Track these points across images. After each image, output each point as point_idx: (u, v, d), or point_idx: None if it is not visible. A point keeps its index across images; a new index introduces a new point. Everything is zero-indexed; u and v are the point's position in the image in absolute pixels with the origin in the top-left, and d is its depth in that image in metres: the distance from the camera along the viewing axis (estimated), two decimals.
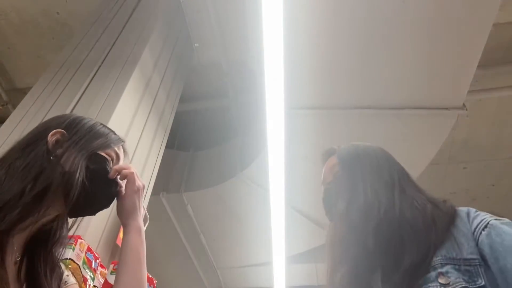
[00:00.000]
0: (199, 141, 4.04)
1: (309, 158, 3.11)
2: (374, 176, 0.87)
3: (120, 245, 1.58)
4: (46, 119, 1.81)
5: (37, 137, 0.81)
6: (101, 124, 0.90)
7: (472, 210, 0.78)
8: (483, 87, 3.31)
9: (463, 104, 2.72)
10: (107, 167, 0.84)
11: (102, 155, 0.84)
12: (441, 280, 0.68)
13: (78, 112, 1.80)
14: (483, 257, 0.69)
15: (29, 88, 2.08)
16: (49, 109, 1.85)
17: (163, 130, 2.42)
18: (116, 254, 1.65)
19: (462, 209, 0.79)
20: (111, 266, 1.40)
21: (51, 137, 0.80)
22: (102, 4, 2.81)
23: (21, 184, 0.70)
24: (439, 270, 0.69)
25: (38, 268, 0.75)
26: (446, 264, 0.70)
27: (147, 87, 2.20)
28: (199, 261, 3.94)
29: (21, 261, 0.73)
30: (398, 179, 0.87)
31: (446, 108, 2.72)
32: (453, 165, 4.02)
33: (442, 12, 2.29)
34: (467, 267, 0.68)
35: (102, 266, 1.43)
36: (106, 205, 0.87)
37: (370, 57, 2.55)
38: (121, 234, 1.61)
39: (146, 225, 1.96)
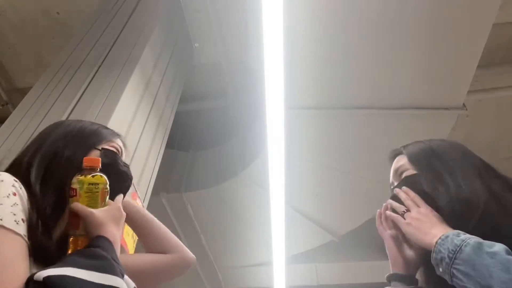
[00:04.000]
0: (199, 141, 4.04)
1: (309, 158, 3.11)
2: (459, 169, 0.84)
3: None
4: (46, 119, 1.82)
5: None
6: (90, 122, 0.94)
7: None
8: (483, 87, 3.31)
9: (463, 104, 2.72)
10: (118, 160, 0.90)
11: (110, 150, 0.89)
12: None
13: (78, 112, 1.81)
14: None
15: (29, 88, 2.08)
16: (49, 109, 1.85)
17: (163, 130, 2.42)
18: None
19: None
20: None
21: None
22: (102, 4, 2.81)
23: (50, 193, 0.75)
24: None
25: None
26: None
27: (147, 87, 2.20)
28: (199, 261, 3.94)
29: None
30: (484, 169, 0.85)
31: (446, 108, 2.73)
32: None
33: (442, 12, 2.29)
34: None
35: None
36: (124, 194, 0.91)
37: (370, 57, 2.55)
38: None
39: None
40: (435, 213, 0.80)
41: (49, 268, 0.60)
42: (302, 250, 3.85)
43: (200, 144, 4.03)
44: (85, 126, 0.91)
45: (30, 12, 3.21)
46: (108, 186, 0.77)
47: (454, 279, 0.68)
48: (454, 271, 0.68)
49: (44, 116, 1.81)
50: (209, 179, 3.50)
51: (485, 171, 0.85)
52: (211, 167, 3.69)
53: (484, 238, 0.71)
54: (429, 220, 0.79)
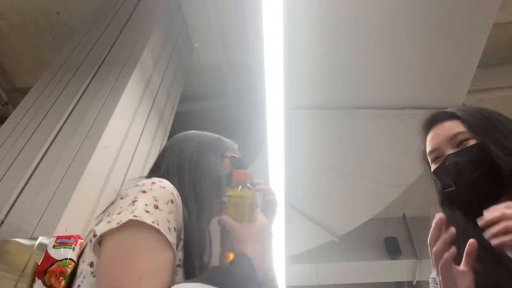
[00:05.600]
0: None
1: (309, 158, 3.11)
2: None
3: None
4: (46, 119, 1.82)
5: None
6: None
7: None
8: (483, 87, 3.31)
9: (463, 104, 2.72)
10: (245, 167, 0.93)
11: (238, 157, 0.93)
12: None
13: (79, 112, 1.81)
14: None
15: (29, 88, 2.08)
16: (49, 109, 1.85)
17: (163, 130, 2.42)
18: None
19: None
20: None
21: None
22: (102, 4, 2.81)
23: None
24: None
25: None
26: None
27: (147, 87, 2.20)
28: None
29: None
30: None
31: (446, 108, 2.72)
32: None
33: (442, 12, 2.29)
34: None
35: None
36: None
37: (370, 57, 2.55)
38: None
39: None
40: None
41: (185, 282, 0.61)
42: (302, 250, 3.85)
43: None
44: (210, 135, 0.95)
45: (30, 12, 3.20)
46: (256, 200, 0.76)
47: None
48: None
49: (44, 116, 1.81)
50: None
51: None
52: None
53: None
54: None
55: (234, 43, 3.24)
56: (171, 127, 2.59)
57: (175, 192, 0.70)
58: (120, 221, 0.63)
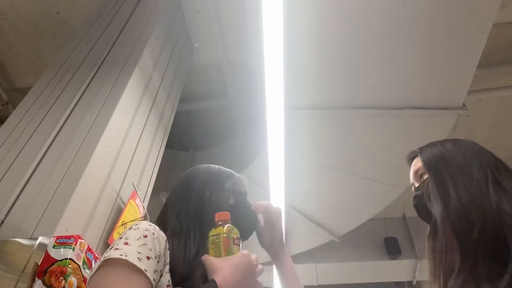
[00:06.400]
0: (199, 141, 4.05)
1: (309, 158, 3.11)
2: (464, 176, 0.81)
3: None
4: (46, 119, 1.82)
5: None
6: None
7: None
8: (483, 87, 3.31)
9: (463, 104, 2.72)
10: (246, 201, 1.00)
11: (241, 191, 0.99)
12: None
13: (78, 112, 1.81)
14: None
15: (29, 88, 2.08)
16: (49, 109, 1.85)
17: (163, 130, 2.42)
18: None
19: None
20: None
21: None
22: (102, 4, 2.81)
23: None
24: None
25: None
26: None
27: (147, 87, 2.20)
28: None
29: None
30: (492, 173, 0.80)
31: (446, 108, 2.73)
32: None
33: (442, 12, 2.29)
34: None
35: None
36: (251, 232, 1.01)
37: (370, 57, 2.55)
38: (114, 234, 1.61)
39: None
40: None
41: None
42: (302, 250, 3.85)
43: (200, 144, 4.03)
44: (220, 170, 1.01)
45: (30, 12, 3.20)
46: (232, 235, 0.80)
47: None
48: None
49: (44, 116, 1.81)
50: None
51: (495, 174, 0.81)
52: None
53: (489, 254, 0.70)
54: None
55: (234, 43, 3.24)
56: (171, 127, 2.59)
57: (151, 228, 0.77)
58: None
